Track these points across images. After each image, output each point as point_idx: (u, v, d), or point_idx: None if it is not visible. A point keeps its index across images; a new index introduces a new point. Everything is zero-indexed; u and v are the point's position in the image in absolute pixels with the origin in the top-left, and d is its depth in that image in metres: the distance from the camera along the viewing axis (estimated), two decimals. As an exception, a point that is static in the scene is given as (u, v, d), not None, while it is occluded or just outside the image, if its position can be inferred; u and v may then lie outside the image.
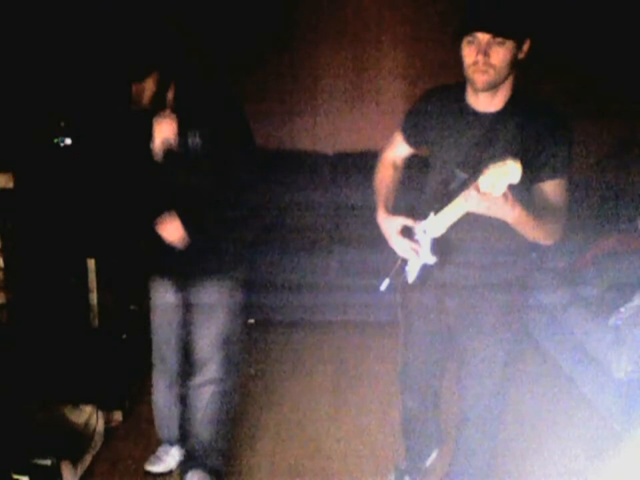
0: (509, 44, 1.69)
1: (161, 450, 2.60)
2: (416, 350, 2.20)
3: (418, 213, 1.89)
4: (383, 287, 1.95)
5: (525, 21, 1.72)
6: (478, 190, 1.58)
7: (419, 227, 1.88)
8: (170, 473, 2.57)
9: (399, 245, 1.91)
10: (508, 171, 1.53)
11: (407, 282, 1.98)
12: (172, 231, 2.16)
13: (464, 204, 1.68)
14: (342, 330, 3.89)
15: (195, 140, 2.20)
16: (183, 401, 2.47)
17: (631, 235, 3.59)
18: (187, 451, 2.51)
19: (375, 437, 2.83)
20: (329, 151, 4.39)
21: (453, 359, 2.18)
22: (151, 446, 2.71)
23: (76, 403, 2.67)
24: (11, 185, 2.43)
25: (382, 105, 4.37)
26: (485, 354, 2.02)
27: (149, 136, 2.17)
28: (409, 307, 2.15)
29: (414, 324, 2.16)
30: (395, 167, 2.14)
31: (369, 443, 2.80)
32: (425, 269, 1.92)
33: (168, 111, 2.16)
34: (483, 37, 1.68)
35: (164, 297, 2.37)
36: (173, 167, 2.21)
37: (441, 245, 1.85)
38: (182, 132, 2.18)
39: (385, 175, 2.12)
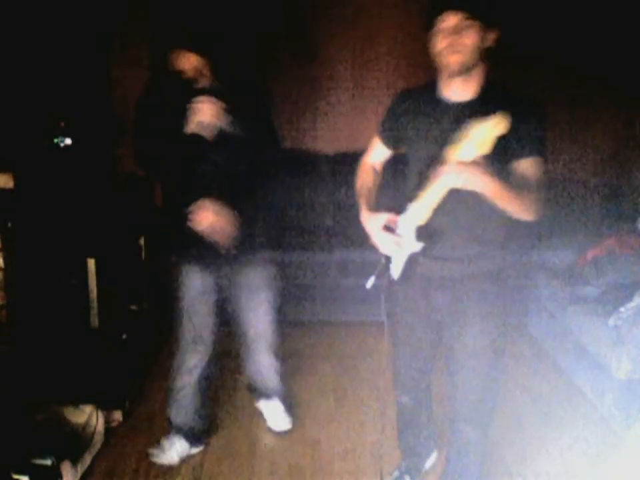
0: (476, 27, 1.77)
1: (165, 441, 2.63)
2: (406, 345, 2.23)
3: (399, 210, 1.92)
4: (369, 284, 1.97)
5: (488, 6, 1.81)
6: (454, 160, 1.65)
7: (400, 220, 1.89)
8: (171, 467, 2.58)
9: (382, 241, 1.92)
10: (485, 127, 1.60)
11: (392, 279, 1.99)
12: (203, 219, 2.25)
13: (443, 179, 1.71)
14: (342, 330, 3.89)
15: (227, 127, 2.26)
16: (202, 382, 2.60)
17: (631, 235, 3.59)
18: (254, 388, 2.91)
19: (375, 437, 2.82)
20: (329, 151, 4.39)
21: (440, 355, 2.20)
22: (151, 446, 2.71)
23: (76, 403, 2.67)
24: (11, 184, 2.43)
25: (382, 105, 4.35)
26: (472, 344, 2.04)
27: (180, 115, 2.21)
28: (396, 304, 2.18)
29: (402, 319, 2.19)
30: (374, 171, 2.20)
31: (368, 443, 2.80)
32: (410, 263, 1.93)
33: (204, 95, 2.21)
34: (451, 21, 1.77)
35: (204, 281, 2.47)
36: (204, 150, 2.27)
37: (425, 232, 1.88)
38: (217, 117, 2.24)
39: (366, 179, 2.18)
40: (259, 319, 2.67)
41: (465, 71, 1.82)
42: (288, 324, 3.88)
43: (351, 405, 3.11)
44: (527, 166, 1.84)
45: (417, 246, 1.89)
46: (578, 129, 4.39)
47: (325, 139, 4.44)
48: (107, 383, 2.97)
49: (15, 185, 2.44)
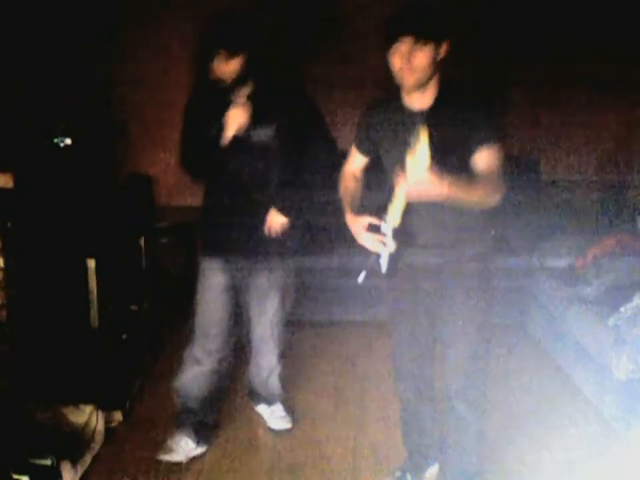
0: (428, 48, 1.92)
1: (171, 441, 2.64)
2: (401, 335, 2.34)
3: (382, 211, 2.06)
4: (360, 279, 2.09)
5: (438, 28, 1.95)
6: (408, 172, 1.77)
7: (383, 221, 2.03)
8: (172, 467, 2.58)
9: (367, 240, 2.06)
10: (415, 156, 1.74)
11: (382, 273, 2.12)
12: (279, 223, 2.48)
13: (402, 191, 1.86)
14: (342, 330, 3.89)
15: (267, 132, 2.38)
16: (212, 376, 2.63)
17: (631, 235, 3.59)
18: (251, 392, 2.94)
19: (375, 436, 2.83)
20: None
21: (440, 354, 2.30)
22: (151, 446, 2.71)
23: (76, 403, 2.67)
24: (10, 184, 2.43)
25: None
26: (460, 323, 2.18)
27: (221, 121, 2.29)
28: (389, 297, 2.34)
29: (396, 310, 2.33)
30: (355, 177, 2.36)
31: (368, 443, 2.80)
32: (393, 257, 2.06)
33: (243, 100, 2.29)
34: (403, 45, 1.91)
35: (221, 280, 2.53)
36: (243, 155, 2.38)
37: (401, 232, 2.01)
38: (256, 123, 2.34)
39: (347, 185, 2.35)
40: (267, 321, 2.70)
41: (420, 86, 1.98)
42: (288, 324, 3.89)
43: (351, 405, 3.11)
44: (483, 156, 1.99)
45: (392, 246, 2.03)
46: (578, 128, 4.39)
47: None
48: (107, 383, 2.97)
49: (15, 185, 2.44)
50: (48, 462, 2.27)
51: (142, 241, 3.62)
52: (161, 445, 2.65)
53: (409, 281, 2.23)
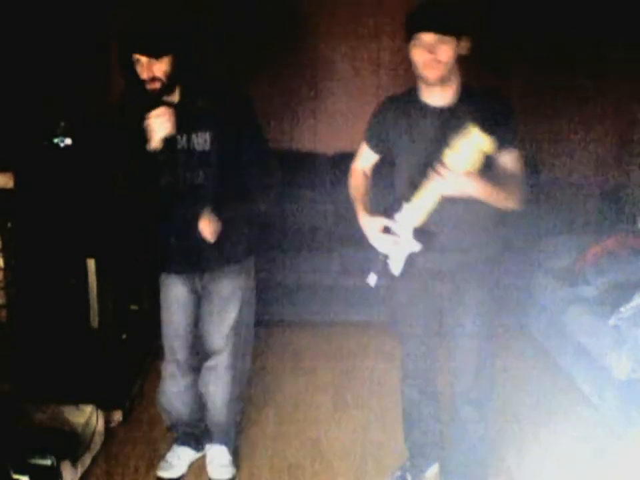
0: (451, 41, 1.92)
1: (170, 455, 2.59)
2: (411, 335, 2.33)
3: (392, 211, 2.03)
4: (372, 281, 2.06)
5: (459, 23, 1.95)
6: (448, 168, 1.79)
7: (396, 220, 2.00)
8: (181, 477, 2.56)
9: (381, 242, 2.03)
10: (475, 141, 1.75)
11: (393, 276, 2.09)
12: (211, 228, 2.17)
13: (436, 186, 1.87)
14: (342, 330, 3.89)
15: (201, 140, 2.18)
16: (193, 388, 2.49)
17: (631, 235, 3.59)
18: (205, 428, 2.59)
19: (375, 436, 2.83)
20: (329, 151, 4.38)
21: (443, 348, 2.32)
22: (151, 446, 2.72)
23: (76, 403, 2.67)
24: (11, 185, 2.43)
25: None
26: (471, 328, 2.19)
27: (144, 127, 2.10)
28: (400, 298, 2.30)
29: (407, 312, 2.31)
30: (364, 175, 2.33)
31: (368, 443, 2.80)
32: (410, 260, 2.04)
33: (164, 108, 2.08)
34: (426, 39, 1.92)
35: (179, 291, 2.38)
36: (176, 165, 2.20)
37: (422, 232, 1.99)
38: (189, 131, 2.16)
39: (358, 184, 2.31)
40: (221, 334, 2.39)
41: (441, 82, 1.98)
42: (288, 324, 3.90)
43: (351, 405, 3.11)
44: (507, 159, 2.00)
45: (416, 246, 2.00)
46: (578, 128, 4.39)
47: (325, 139, 4.44)
48: (107, 383, 2.97)
49: (15, 185, 2.44)
50: (48, 462, 2.27)
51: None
52: (160, 445, 2.65)
53: (422, 284, 2.21)
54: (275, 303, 3.80)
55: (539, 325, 3.77)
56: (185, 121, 2.14)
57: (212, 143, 2.18)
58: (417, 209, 1.94)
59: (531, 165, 4.31)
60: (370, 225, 2.07)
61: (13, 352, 2.65)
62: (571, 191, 4.34)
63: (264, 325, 3.70)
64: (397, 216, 1.99)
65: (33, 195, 2.68)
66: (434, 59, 1.93)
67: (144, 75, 2.05)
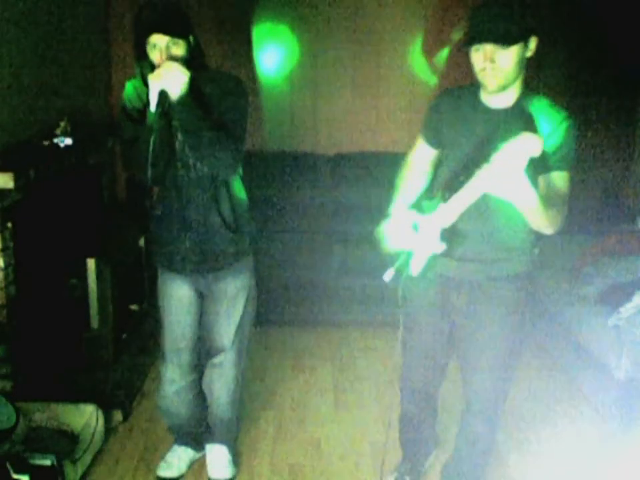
0: (514, 47, 1.77)
1: (170, 455, 2.59)
2: (419, 350, 2.22)
3: (426, 209, 1.92)
4: (388, 277, 1.94)
5: (524, 27, 1.79)
6: (495, 168, 1.65)
7: (428, 219, 1.89)
8: (181, 477, 2.56)
9: (408, 237, 1.92)
10: (526, 143, 1.61)
11: (411, 276, 1.97)
12: (172, 74, 1.98)
13: (480, 184, 1.72)
14: (342, 330, 3.89)
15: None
16: (194, 388, 2.49)
17: (631, 235, 3.59)
18: (206, 426, 2.58)
19: (375, 437, 2.83)
20: (329, 151, 4.38)
21: (453, 359, 2.22)
22: (151, 446, 2.72)
23: (76, 403, 2.67)
24: (11, 185, 2.43)
25: (382, 106, 4.37)
26: (489, 347, 2.06)
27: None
28: (413, 303, 2.15)
29: (417, 321, 2.17)
30: (418, 169, 2.16)
31: (368, 443, 2.80)
32: (431, 261, 1.93)
33: (169, 62, 2.00)
34: (486, 50, 1.78)
35: (183, 292, 2.37)
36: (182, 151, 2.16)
37: (448, 234, 1.89)
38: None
39: (405, 174, 2.16)
40: (228, 333, 2.39)
41: (502, 89, 1.85)
42: (288, 324, 3.90)
43: (351, 404, 3.11)
44: (557, 180, 1.85)
45: (440, 247, 1.89)
46: (578, 128, 4.38)
47: (325, 139, 4.44)
48: (107, 383, 2.97)
49: (15, 185, 2.43)
50: (48, 462, 2.26)
51: (142, 241, 3.62)
52: (160, 445, 2.65)
53: (438, 291, 2.09)
54: (275, 303, 3.80)
55: (539, 325, 3.77)
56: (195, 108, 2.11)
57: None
58: (453, 208, 1.83)
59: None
60: (401, 217, 1.97)
61: (13, 352, 2.64)
62: (570, 191, 4.33)
63: (264, 325, 3.72)
64: (431, 216, 1.88)
65: (33, 194, 2.68)
66: (494, 68, 1.79)
67: (161, 58, 2.03)
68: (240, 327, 2.41)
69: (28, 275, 2.73)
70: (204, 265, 2.30)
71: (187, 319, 2.40)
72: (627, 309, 2.93)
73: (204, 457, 2.62)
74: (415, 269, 1.94)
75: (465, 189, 1.77)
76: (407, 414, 2.39)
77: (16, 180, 2.44)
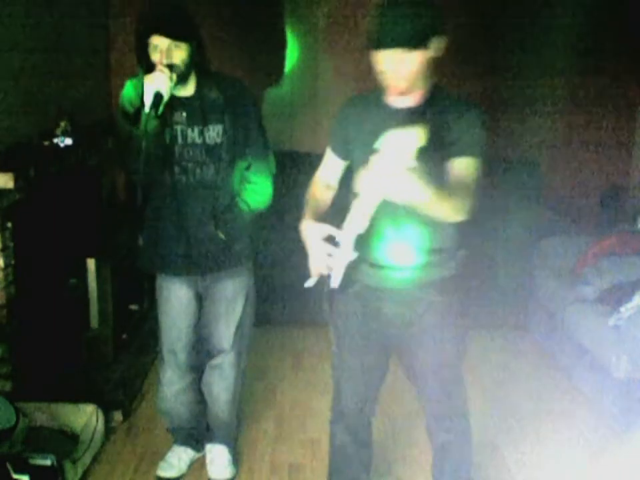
0: (415, 54, 1.71)
1: (170, 455, 2.59)
2: (348, 368, 2.09)
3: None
4: (310, 283, 1.89)
5: (429, 29, 1.72)
6: (374, 170, 1.54)
7: (342, 229, 1.81)
8: (181, 477, 2.56)
9: (319, 250, 1.85)
10: (400, 139, 1.50)
11: (334, 288, 1.85)
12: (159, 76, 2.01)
13: (367, 189, 1.61)
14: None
15: (213, 133, 2.18)
16: (192, 388, 2.49)
17: (631, 235, 3.59)
18: (207, 426, 2.59)
19: (375, 436, 2.82)
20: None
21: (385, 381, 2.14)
22: (151, 446, 2.72)
23: (76, 403, 2.67)
24: (11, 185, 2.43)
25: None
26: (430, 354, 1.99)
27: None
28: (339, 316, 2.06)
29: (347, 337, 2.06)
30: (326, 185, 2.12)
31: (368, 442, 2.79)
32: (350, 272, 1.82)
33: (164, 68, 2.01)
34: (388, 55, 1.72)
35: (181, 293, 2.36)
36: (188, 159, 2.18)
37: (365, 240, 1.80)
38: (202, 124, 2.16)
39: (315, 192, 2.11)
40: (228, 334, 2.39)
41: (406, 92, 1.80)
42: (288, 324, 3.90)
43: (350, 404, 3.11)
44: (461, 166, 1.79)
45: (353, 255, 1.77)
46: (577, 129, 4.39)
47: (325, 139, 4.43)
48: (107, 383, 2.97)
49: (15, 185, 2.43)
50: (48, 462, 2.26)
51: (142, 241, 3.62)
52: (160, 445, 2.65)
53: (365, 303, 1.98)
54: (275, 303, 3.80)
55: (539, 325, 3.77)
56: (199, 114, 2.15)
57: (224, 135, 2.19)
58: (358, 213, 1.70)
59: (531, 166, 4.32)
60: (311, 231, 1.88)
61: (13, 352, 2.64)
62: (570, 191, 4.34)
63: (264, 325, 3.71)
64: (343, 225, 1.77)
65: (33, 195, 2.68)
66: (396, 71, 1.74)
67: (162, 61, 2.03)
68: (239, 328, 2.41)
69: (28, 275, 2.73)
70: (202, 267, 2.30)
71: (184, 321, 2.39)
72: (627, 309, 2.93)
73: (204, 457, 2.62)
74: (334, 281, 1.82)
75: (361, 193, 1.66)
76: (336, 449, 2.19)
77: (16, 180, 2.44)
